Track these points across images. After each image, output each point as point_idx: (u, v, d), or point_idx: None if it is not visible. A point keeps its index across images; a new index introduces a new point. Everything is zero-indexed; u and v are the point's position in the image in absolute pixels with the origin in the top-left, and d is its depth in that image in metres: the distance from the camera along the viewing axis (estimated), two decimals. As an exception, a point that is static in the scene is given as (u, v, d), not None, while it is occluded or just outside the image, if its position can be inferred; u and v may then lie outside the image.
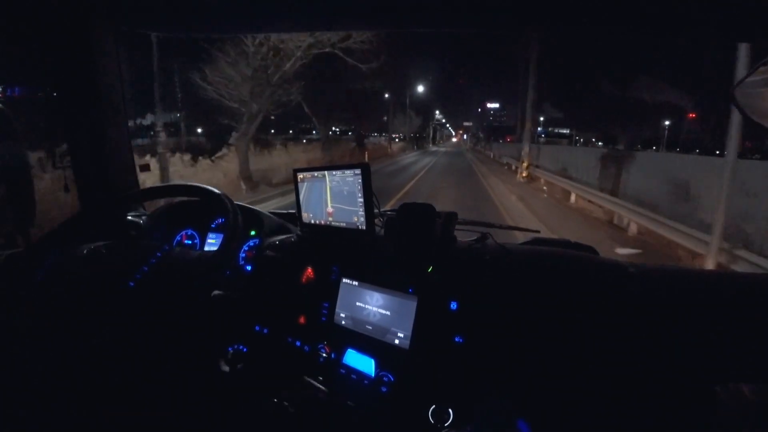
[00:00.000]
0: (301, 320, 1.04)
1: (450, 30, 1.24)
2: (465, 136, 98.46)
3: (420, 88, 42.04)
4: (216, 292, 0.96)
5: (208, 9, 1.12)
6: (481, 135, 65.00)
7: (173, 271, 0.85)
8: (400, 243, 1.01)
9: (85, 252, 0.89)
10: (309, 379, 0.94)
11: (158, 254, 0.86)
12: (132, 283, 0.81)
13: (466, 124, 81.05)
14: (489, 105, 67.88)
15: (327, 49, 10.55)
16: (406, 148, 40.31)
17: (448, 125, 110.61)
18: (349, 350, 0.95)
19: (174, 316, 0.81)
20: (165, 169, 7.86)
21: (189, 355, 1.00)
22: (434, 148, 59.30)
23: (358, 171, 0.99)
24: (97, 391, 0.82)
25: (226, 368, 1.03)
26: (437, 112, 78.90)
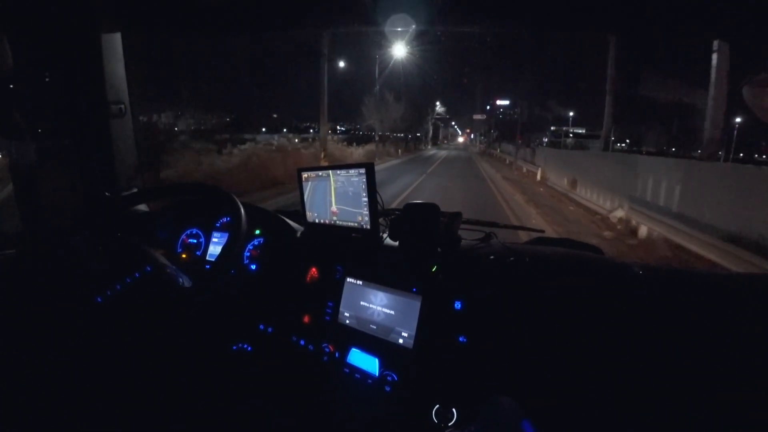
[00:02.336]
0: (306, 319, 1.05)
1: (450, 29, 1.23)
2: (472, 136, 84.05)
3: (398, 52, 21.07)
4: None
5: (211, 11, 1.13)
6: (494, 133, 47.83)
7: (145, 299, 0.80)
8: (404, 242, 1.01)
9: (69, 255, 0.86)
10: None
11: (136, 275, 0.82)
12: (100, 299, 0.78)
13: (476, 117, 61.50)
14: (499, 102, 50.30)
15: None
16: (381, 155, 22.06)
17: (453, 123, 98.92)
18: (353, 349, 0.95)
19: (142, 335, 0.80)
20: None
21: (176, 361, 0.98)
22: (432, 151, 43.16)
23: (362, 170, 0.99)
24: (85, 391, 0.81)
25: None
26: (438, 104, 57.92)
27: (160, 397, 0.94)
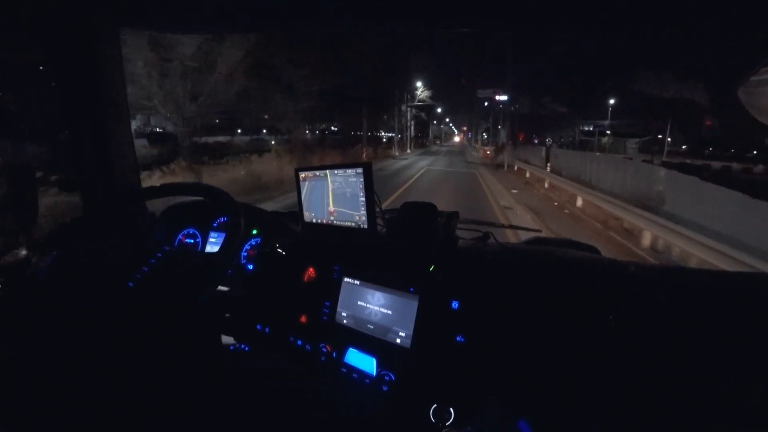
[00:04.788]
0: (303, 319, 1.05)
1: (447, 29, 1.23)
2: (470, 134, 70.63)
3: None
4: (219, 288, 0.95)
5: (210, 8, 1.12)
6: (503, 131, 30.26)
7: (173, 273, 0.84)
8: (401, 242, 1.02)
9: (85, 251, 0.89)
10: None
11: (158, 255, 0.86)
12: (131, 284, 0.81)
13: (481, 93, 37.01)
14: (498, 97, 34.01)
15: None
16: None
17: (449, 121, 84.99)
18: (351, 349, 0.95)
19: (174, 316, 0.81)
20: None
21: (188, 354, 0.99)
22: (404, 161, 22.53)
23: (360, 170, 1.00)
24: (95, 389, 0.82)
25: None
26: (419, 86, 36.09)
27: (157, 396, 0.94)
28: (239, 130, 20.32)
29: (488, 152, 25.34)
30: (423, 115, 39.93)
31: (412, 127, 39.51)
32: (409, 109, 35.56)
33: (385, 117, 30.15)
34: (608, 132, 29.12)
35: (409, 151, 35.02)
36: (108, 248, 0.91)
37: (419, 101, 36.38)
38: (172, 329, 0.84)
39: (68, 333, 0.78)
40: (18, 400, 0.78)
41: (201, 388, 1.01)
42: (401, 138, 33.81)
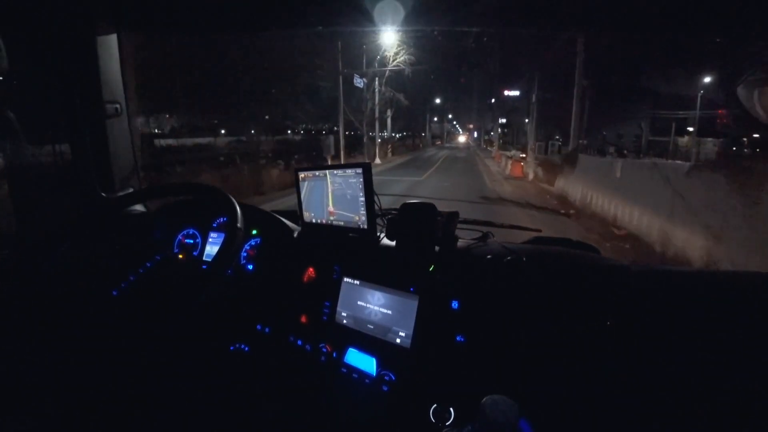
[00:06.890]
0: (303, 319, 1.05)
1: (448, 28, 1.23)
2: (476, 134, 62.82)
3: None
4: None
5: (209, 9, 1.13)
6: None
7: (162, 283, 0.83)
8: (401, 242, 1.01)
9: (77, 255, 0.88)
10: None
11: (148, 264, 0.85)
12: (115, 292, 0.80)
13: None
14: (507, 92, 25.96)
15: None
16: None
17: (452, 118, 71.86)
18: (351, 349, 0.95)
19: (158, 326, 0.80)
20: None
21: (178, 359, 0.98)
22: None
23: (359, 170, 1.00)
24: (82, 393, 0.81)
25: None
26: (393, 45, 15.60)
27: (158, 396, 0.94)
28: (223, 131, 18.28)
29: (521, 164, 14.09)
30: (403, 98, 20.62)
31: (389, 120, 23.20)
32: (378, 85, 18.50)
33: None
34: (690, 129, 19.12)
35: (378, 161, 18.90)
36: (99, 253, 0.90)
37: (397, 65, 17.52)
38: (157, 337, 0.82)
39: (55, 338, 0.77)
40: (12, 402, 0.78)
41: (199, 390, 1.01)
42: (356, 137, 19.69)
